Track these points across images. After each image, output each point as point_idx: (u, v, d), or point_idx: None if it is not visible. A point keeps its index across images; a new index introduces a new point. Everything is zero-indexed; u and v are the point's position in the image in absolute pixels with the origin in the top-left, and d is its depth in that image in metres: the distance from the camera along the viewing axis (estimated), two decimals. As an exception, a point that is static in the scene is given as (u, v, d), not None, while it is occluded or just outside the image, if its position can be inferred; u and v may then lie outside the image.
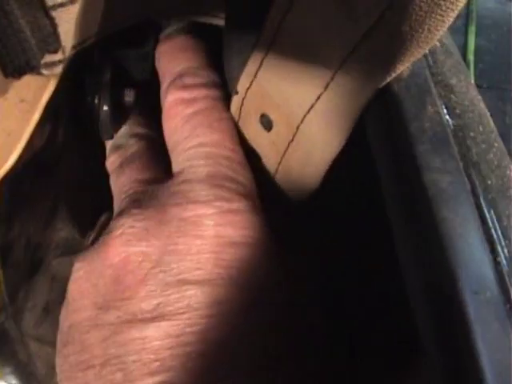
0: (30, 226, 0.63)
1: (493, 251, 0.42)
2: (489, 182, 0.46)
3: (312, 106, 0.50)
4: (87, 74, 0.64)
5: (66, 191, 0.66)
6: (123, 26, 0.56)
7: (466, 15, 2.39)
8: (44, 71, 0.46)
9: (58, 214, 0.66)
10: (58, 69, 0.46)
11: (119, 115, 0.65)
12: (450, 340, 0.38)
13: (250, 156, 0.60)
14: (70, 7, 0.44)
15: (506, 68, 2.29)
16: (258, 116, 0.55)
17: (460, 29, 2.37)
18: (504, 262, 0.41)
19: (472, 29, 2.34)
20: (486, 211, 0.43)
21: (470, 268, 0.39)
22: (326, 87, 0.49)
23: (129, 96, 0.66)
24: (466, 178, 0.45)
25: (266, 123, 0.55)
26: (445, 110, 0.48)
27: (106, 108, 0.63)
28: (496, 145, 0.52)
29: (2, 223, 0.57)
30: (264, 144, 0.57)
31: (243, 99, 0.56)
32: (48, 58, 0.45)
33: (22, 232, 0.61)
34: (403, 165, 0.43)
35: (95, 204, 0.73)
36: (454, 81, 0.53)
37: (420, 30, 0.45)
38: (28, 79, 0.46)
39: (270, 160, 0.58)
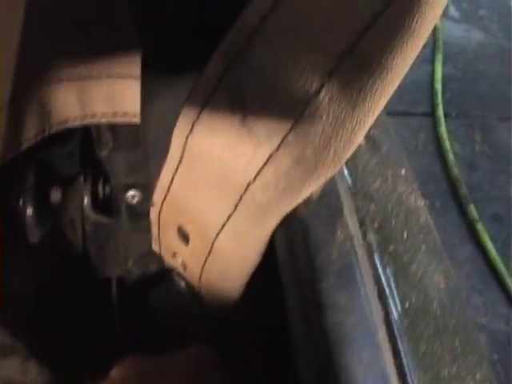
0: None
1: None
2: (406, 305, 0.45)
3: (224, 225, 0.49)
4: (11, 178, 0.62)
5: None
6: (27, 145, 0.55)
7: (432, 44, 2.39)
8: None
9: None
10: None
11: (45, 216, 0.63)
12: None
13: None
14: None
15: (473, 95, 2.29)
16: (176, 228, 0.54)
17: (427, 57, 2.38)
18: None
19: (439, 57, 2.34)
20: (400, 347, 0.42)
21: None
22: (234, 208, 0.47)
23: (55, 195, 0.65)
24: (380, 310, 0.43)
25: (183, 236, 0.54)
26: (362, 229, 0.46)
27: (30, 211, 0.62)
28: (423, 247, 0.50)
29: None
30: (185, 255, 0.56)
31: (160, 211, 0.55)
32: None
33: None
34: (308, 302, 0.42)
35: (30, 288, 0.72)
36: (377, 184, 0.52)
37: (325, 154, 0.44)
38: None
39: (192, 270, 0.56)
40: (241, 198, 0.47)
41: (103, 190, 0.77)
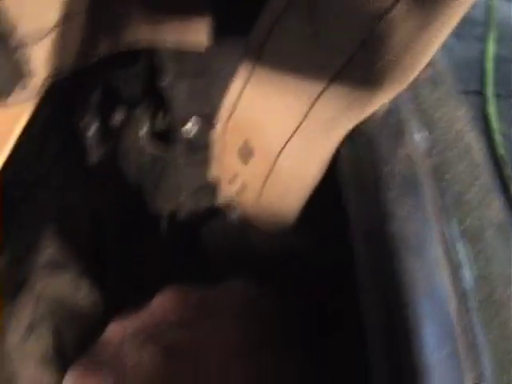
0: (16, 243, 0.63)
1: (463, 301, 0.41)
2: (462, 227, 0.45)
3: (289, 139, 0.50)
4: (76, 95, 0.63)
5: (54, 204, 0.66)
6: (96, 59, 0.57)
7: (485, 22, 2.37)
8: (14, 101, 0.46)
9: (44, 233, 0.66)
10: (28, 101, 0.47)
11: (106, 137, 0.65)
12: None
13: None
14: (41, 42, 0.45)
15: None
16: (239, 147, 0.55)
17: (479, 36, 2.34)
18: (472, 306, 0.41)
19: (491, 36, 2.31)
20: (456, 256, 0.43)
21: (432, 324, 0.38)
22: (302, 121, 0.48)
23: (117, 117, 0.66)
24: (435, 225, 0.44)
25: (245, 155, 0.55)
26: (422, 149, 0.47)
27: (92, 130, 0.63)
28: (478, 182, 0.51)
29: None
30: (246, 175, 0.57)
31: (224, 129, 0.56)
32: (17, 92, 0.46)
33: (6, 247, 0.61)
34: (370, 211, 0.43)
35: (86, 213, 0.73)
36: (438, 114, 0.52)
37: (393, 70, 0.45)
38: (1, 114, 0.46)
39: (250, 194, 0.57)
40: (309, 110, 0.47)
41: (162, 122, 0.78)
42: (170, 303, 0.54)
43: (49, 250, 0.66)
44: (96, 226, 0.76)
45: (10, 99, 0.45)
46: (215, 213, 0.80)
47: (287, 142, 0.50)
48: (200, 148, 0.71)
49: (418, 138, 0.46)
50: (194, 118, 0.71)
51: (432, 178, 0.46)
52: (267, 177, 0.53)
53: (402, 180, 0.43)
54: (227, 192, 0.63)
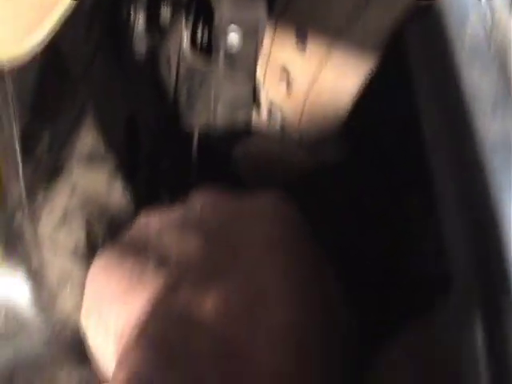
0: (56, 126, 0.61)
1: None
2: None
3: (360, 13, 0.49)
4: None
5: (94, 98, 0.65)
6: None
7: None
8: None
9: (83, 121, 0.65)
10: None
11: (155, 30, 0.64)
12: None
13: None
14: None
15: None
16: (295, 33, 0.54)
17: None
18: None
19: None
20: None
21: None
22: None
23: (165, 12, 0.65)
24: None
25: (303, 41, 0.54)
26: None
27: (141, 21, 0.62)
28: None
29: (27, 111, 0.56)
30: (297, 66, 0.56)
31: (281, 15, 0.55)
32: None
33: (46, 128, 0.59)
34: (439, 77, 0.42)
35: (123, 114, 0.72)
36: None
37: None
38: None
39: (300, 86, 0.56)
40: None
41: (205, 32, 0.76)
42: (207, 198, 0.52)
43: (87, 141, 0.64)
44: (130, 127, 0.75)
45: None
46: (252, 130, 0.79)
47: (344, 31, 0.48)
48: (241, 66, 0.69)
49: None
50: (236, 28, 0.69)
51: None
52: (325, 59, 0.51)
53: (474, 42, 0.42)
54: (273, 95, 0.61)
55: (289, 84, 0.58)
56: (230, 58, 0.72)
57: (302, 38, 0.53)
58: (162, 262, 0.48)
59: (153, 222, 0.53)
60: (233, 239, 0.49)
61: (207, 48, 0.76)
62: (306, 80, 0.55)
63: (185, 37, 0.75)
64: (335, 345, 0.48)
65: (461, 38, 0.42)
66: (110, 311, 0.48)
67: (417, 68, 0.45)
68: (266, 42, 0.59)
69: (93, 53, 0.63)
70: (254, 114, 0.74)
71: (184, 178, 0.81)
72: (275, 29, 0.57)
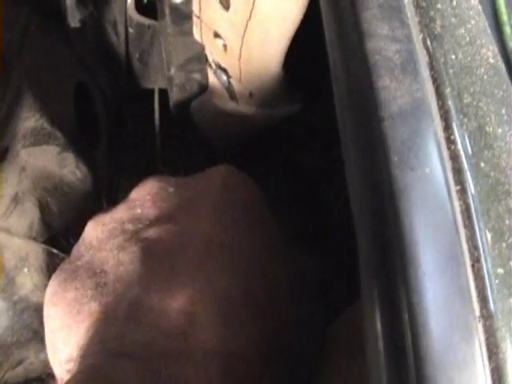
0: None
1: (447, 128, 0.38)
2: (452, 57, 0.43)
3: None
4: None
5: (30, 78, 0.63)
6: None
7: None
8: None
9: (22, 102, 0.63)
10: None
11: (85, 1, 0.62)
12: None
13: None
14: None
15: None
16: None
17: None
18: (458, 139, 0.37)
19: None
20: (443, 86, 0.40)
21: (410, 144, 0.36)
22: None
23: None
24: (423, 49, 0.41)
25: (225, 1, 0.52)
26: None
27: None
28: (472, 22, 0.48)
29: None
30: (225, 26, 0.55)
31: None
32: None
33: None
34: (347, 31, 0.40)
35: (70, 86, 0.71)
36: None
37: None
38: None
39: (233, 44, 0.55)
40: None
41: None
42: (149, 195, 0.52)
43: (33, 117, 0.63)
44: (81, 97, 0.73)
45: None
46: (205, 88, 0.78)
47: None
48: (187, 15, 0.68)
49: None
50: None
51: (419, 6, 0.43)
52: (248, 20, 0.50)
53: (385, 1, 0.40)
54: (213, 50, 0.60)
55: (223, 45, 0.56)
56: (176, 11, 0.71)
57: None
58: (100, 283, 0.47)
59: (96, 232, 0.52)
60: (171, 250, 0.49)
61: (152, 5, 0.74)
62: (235, 36, 0.53)
63: (129, -1, 0.73)
64: (279, 272, 0.48)
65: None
66: (58, 339, 0.48)
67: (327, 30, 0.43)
68: (195, 5, 0.57)
69: (22, 35, 0.61)
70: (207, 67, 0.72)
71: (149, 144, 0.80)
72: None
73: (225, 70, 0.63)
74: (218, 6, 0.53)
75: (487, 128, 0.40)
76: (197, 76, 0.77)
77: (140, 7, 0.74)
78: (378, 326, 0.33)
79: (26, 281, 0.62)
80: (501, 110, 0.43)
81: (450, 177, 0.36)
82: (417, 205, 0.33)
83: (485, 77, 0.43)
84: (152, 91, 0.83)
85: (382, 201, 0.34)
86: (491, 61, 0.46)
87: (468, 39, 0.45)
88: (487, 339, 0.32)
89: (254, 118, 0.69)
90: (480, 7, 0.51)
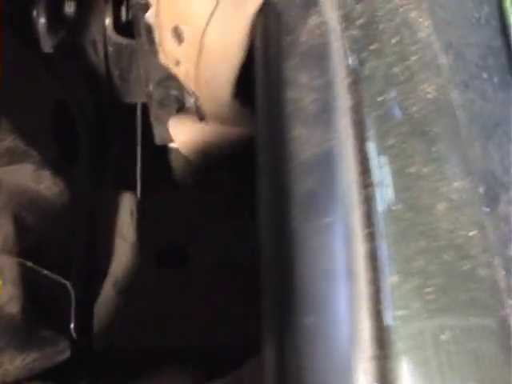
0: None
1: (363, 172, 0.40)
2: (379, 99, 0.44)
3: (211, 17, 0.50)
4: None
5: (6, 101, 0.66)
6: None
7: None
8: None
9: (3, 122, 0.66)
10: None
11: (58, 26, 0.65)
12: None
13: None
14: None
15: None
16: (171, 29, 0.55)
17: None
18: (375, 183, 0.40)
19: None
20: (365, 129, 0.42)
21: (311, 196, 0.38)
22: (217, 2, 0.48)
23: (69, 7, 0.67)
24: (347, 94, 0.43)
25: (178, 36, 0.55)
26: (341, 21, 0.46)
27: (42, 21, 0.64)
28: (414, 58, 0.50)
29: None
30: (182, 57, 0.58)
31: (156, 12, 0.56)
32: None
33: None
34: (270, 79, 0.42)
35: (41, 111, 0.74)
36: None
37: None
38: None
39: (189, 73, 0.58)
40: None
41: (126, 12, 0.78)
42: None
43: (7, 138, 0.66)
44: (60, 115, 0.77)
45: None
46: (183, 103, 0.81)
47: (209, 21, 0.49)
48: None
49: (332, 8, 0.45)
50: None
51: (348, 49, 0.44)
52: (199, 55, 0.53)
53: (308, 49, 0.42)
54: (178, 74, 0.63)
55: (184, 71, 0.59)
56: (150, 29, 0.74)
57: (177, 31, 0.55)
58: None
59: None
60: None
61: (129, 26, 0.77)
62: (192, 65, 0.56)
63: (107, 18, 0.76)
64: None
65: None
66: None
67: (257, 67, 0.46)
68: (156, 34, 0.60)
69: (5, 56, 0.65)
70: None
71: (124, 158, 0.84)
72: (158, 21, 0.58)
73: (192, 93, 0.66)
74: (173, 40, 0.55)
75: (410, 169, 0.42)
76: (174, 92, 0.80)
77: (118, 27, 0.77)
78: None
79: (1, 293, 0.64)
80: (430, 147, 0.44)
81: (356, 222, 0.38)
82: (311, 259, 0.36)
83: (417, 115, 0.45)
84: (132, 107, 0.86)
85: (282, 251, 0.37)
86: (429, 96, 0.47)
87: (404, 77, 0.46)
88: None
89: (222, 137, 0.72)
90: (434, 36, 0.52)
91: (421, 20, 0.52)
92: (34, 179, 0.69)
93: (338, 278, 0.36)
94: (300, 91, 0.41)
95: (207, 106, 0.63)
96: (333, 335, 0.35)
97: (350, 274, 0.36)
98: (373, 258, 0.37)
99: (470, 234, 0.43)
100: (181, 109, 0.81)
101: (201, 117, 0.72)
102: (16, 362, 0.69)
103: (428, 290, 0.38)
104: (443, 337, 0.37)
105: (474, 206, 0.44)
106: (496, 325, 0.41)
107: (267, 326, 0.36)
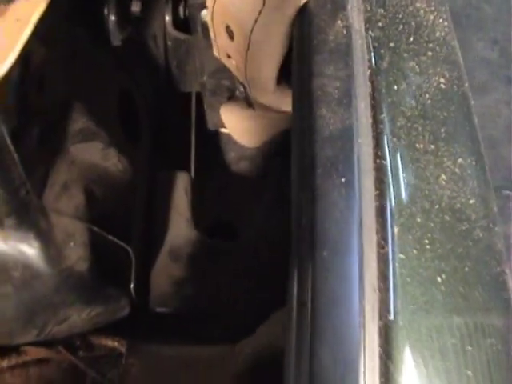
0: (50, 113, 0.74)
1: (376, 146, 0.49)
2: (394, 87, 0.53)
3: (256, 20, 0.59)
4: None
5: (79, 87, 0.77)
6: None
7: None
8: None
9: (72, 107, 0.77)
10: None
11: (126, 23, 0.76)
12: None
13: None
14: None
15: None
16: (224, 27, 0.64)
17: None
18: (386, 155, 0.48)
19: None
20: (379, 112, 0.50)
21: (333, 160, 0.47)
22: (263, 4, 0.57)
23: (135, 6, 0.77)
24: (368, 82, 0.52)
25: (230, 35, 0.64)
26: (364, 24, 0.55)
27: (112, 18, 0.74)
28: (429, 53, 0.57)
29: (14, 116, 0.69)
30: (233, 52, 0.67)
31: (212, 13, 0.65)
32: None
33: (36, 122, 0.72)
34: (302, 72, 0.52)
35: (115, 92, 0.84)
36: None
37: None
38: (22, 3, 0.57)
39: (240, 65, 0.67)
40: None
41: (183, 11, 0.88)
42: None
43: (80, 120, 0.77)
44: (125, 101, 0.87)
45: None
46: (234, 92, 0.91)
47: (255, 23, 0.59)
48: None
49: (358, 12, 0.54)
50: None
51: (369, 47, 0.53)
52: (247, 51, 0.62)
53: (335, 46, 0.51)
54: (228, 65, 0.72)
55: (235, 64, 0.69)
56: (205, 26, 0.83)
57: (229, 30, 0.64)
58: None
59: None
60: None
61: (187, 23, 0.87)
62: (241, 59, 0.66)
63: (167, 16, 0.87)
64: None
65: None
66: None
67: (294, 62, 0.55)
68: (211, 31, 0.69)
69: (72, 50, 0.75)
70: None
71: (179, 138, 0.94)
72: (212, 22, 0.68)
73: (242, 83, 0.76)
74: (227, 37, 0.65)
75: (417, 145, 0.50)
76: (226, 82, 0.89)
77: (176, 24, 0.87)
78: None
79: (72, 253, 0.75)
80: (440, 129, 0.52)
81: (367, 184, 0.47)
82: (330, 207, 0.45)
83: (428, 101, 0.53)
84: (188, 95, 0.96)
85: (308, 202, 0.46)
86: (442, 86, 0.55)
87: (418, 70, 0.55)
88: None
89: (268, 122, 0.82)
90: (451, 35, 0.60)
91: (440, 21, 0.60)
92: (102, 157, 0.80)
93: (351, 226, 0.44)
94: (327, 80, 0.50)
95: (254, 94, 0.72)
96: (342, 269, 0.43)
97: (361, 223, 0.44)
98: (380, 212, 0.46)
99: (471, 201, 0.50)
100: (231, 97, 0.91)
101: (249, 104, 0.82)
102: (83, 315, 0.80)
103: (426, 241, 0.46)
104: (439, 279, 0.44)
105: (476, 180, 0.52)
106: (490, 277, 0.48)
107: (293, 260, 0.46)
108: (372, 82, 0.52)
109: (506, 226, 1.42)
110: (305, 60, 0.52)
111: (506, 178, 1.55)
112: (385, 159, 0.48)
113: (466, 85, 0.57)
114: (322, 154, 0.47)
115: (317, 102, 0.49)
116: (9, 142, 0.62)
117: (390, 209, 0.46)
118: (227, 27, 0.64)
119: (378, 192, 0.47)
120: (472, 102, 0.56)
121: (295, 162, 0.49)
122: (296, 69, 0.53)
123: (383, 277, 0.44)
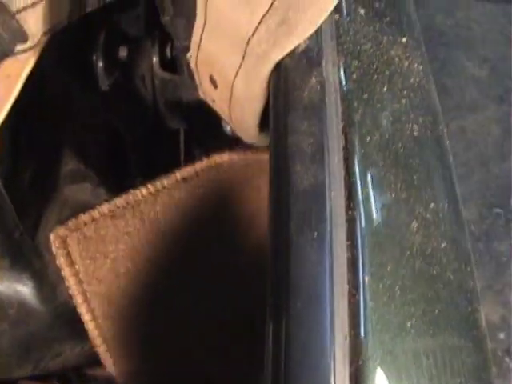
0: (40, 160, 0.77)
1: (349, 197, 0.51)
2: (367, 139, 0.54)
3: (237, 72, 0.62)
4: (85, 37, 0.78)
5: (72, 131, 0.80)
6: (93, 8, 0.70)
7: None
8: (19, 56, 0.60)
9: (64, 151, 0.80)
10: (31, 53, 0.61)
11: (113, 68, 0.79)
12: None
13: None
14: (35, 7, 0.59)
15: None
16: (208, 76, 0.67)
17: None
18: (356, 206, 0.50)
19: None
20: (352, 164, 0.52)
21: (305, 215, 0.49)
22: (242, 58, 0.60)
23: (123, 51, 0.80)
24: (341, 135, 0.54)
25: (213, 83, 0.67)
26: (338, 77, 0.57)
27: (100, 65, 0.77)
28: (403, 101, 0.59)
29: (6, 160, 0.72)
30: (217, 99, 0.70)
31: (196, 61, 0.68)
32: (20, 46, 0.60)
33: (26, 168, 0.75)
34: (279, 128, 0.55)
35: (104, 133, 0.88)
36: (366, 46, 0.60)
37: (303, 16, 0.56)
38: (12, 60, 0.60)
39: (224, 110, 0.70)
40: (246, 50, 0.59)
41: (170, 52, 0.91)
42: None
43: (70, 163, 0.80)
44: (114, 141, 0.91)
45: (13, 55, 0.59)
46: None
47: (237, 74, 0.62)
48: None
49: (333, 66, 0.56)
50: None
51: (343, 100, 0.55)
52: (230, 100, 0.65)
53: (309, 102, 0.53)
54: (215, 109, 0.76)
55: (220, 108, 0.72)
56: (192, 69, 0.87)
57: (212, 80, 0.67)
58: None
59: None
60: None
61: (174, 63, 0.91)
62: (225, 107, 0.68)
63: (154, 57, 0.90)
64: None
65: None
66: None
67: (272, 117, 0.58)
68: (196, 76, 0.73)
69: (68, 96, 0.79)
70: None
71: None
72: (197, 68, 0.71)
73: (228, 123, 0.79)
74: (210, 85, 0.68)
75: (389, 194, 0.53)
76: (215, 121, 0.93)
77: (163, 64, 0.90)
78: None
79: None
80: (412, 176, 0.54)
81: (339, 236, 0.49)
82: (303, 261, 0.48)
83: (401, 150, 0.55)
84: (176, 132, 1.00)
85: (282, 255, 0.49)
86: (415, 134, 0.57)
87: (392, 119, 0.57)
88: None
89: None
90: (426, 79, 0.62)
91: (415, 66, 0.63)
92: (93, 196, 0.83)
93: (323, 277, 0.47)
94: (301, 136, 0.52)
95: (241, 135, 0.75)
96: (315, 319, 0.46)
97: (332, 275, 0.47)
98: (352, 262, 0.48)
99: (442, 245, 0.52)
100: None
101: (237, 142, 0.85)
102: (76, 350, 0.82)
103: (396, 288, 0.48)
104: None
105: (449, 223, 0.54)
106: (461, 317, 0.50)
107: (269, 312, 0.49)
108: (345, 134, 0.54)
109: (497, 243, 1.43)
110: (280, 117, 0.55)
111: (496, 196, 1.57)
112: (356, 210, 0.50)
113: (441, 127, 0.59)
114: (295, 209, 0.50)
115: (292, 159, 0.52)
116: (0, 185, 0.64)
117: (362, 258, 0.48)
118: (211, 77, 0.67)
119: (349, 242, 0.49)
120: (447, 142, 0.58)
121: (272, 217, 0.51)
122: (273, 125, 0.55)
123: (353, 324, 0.46)
